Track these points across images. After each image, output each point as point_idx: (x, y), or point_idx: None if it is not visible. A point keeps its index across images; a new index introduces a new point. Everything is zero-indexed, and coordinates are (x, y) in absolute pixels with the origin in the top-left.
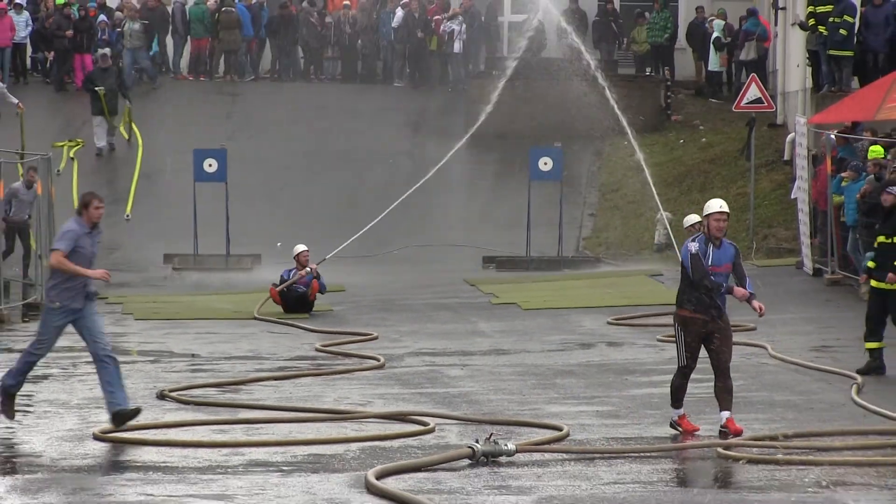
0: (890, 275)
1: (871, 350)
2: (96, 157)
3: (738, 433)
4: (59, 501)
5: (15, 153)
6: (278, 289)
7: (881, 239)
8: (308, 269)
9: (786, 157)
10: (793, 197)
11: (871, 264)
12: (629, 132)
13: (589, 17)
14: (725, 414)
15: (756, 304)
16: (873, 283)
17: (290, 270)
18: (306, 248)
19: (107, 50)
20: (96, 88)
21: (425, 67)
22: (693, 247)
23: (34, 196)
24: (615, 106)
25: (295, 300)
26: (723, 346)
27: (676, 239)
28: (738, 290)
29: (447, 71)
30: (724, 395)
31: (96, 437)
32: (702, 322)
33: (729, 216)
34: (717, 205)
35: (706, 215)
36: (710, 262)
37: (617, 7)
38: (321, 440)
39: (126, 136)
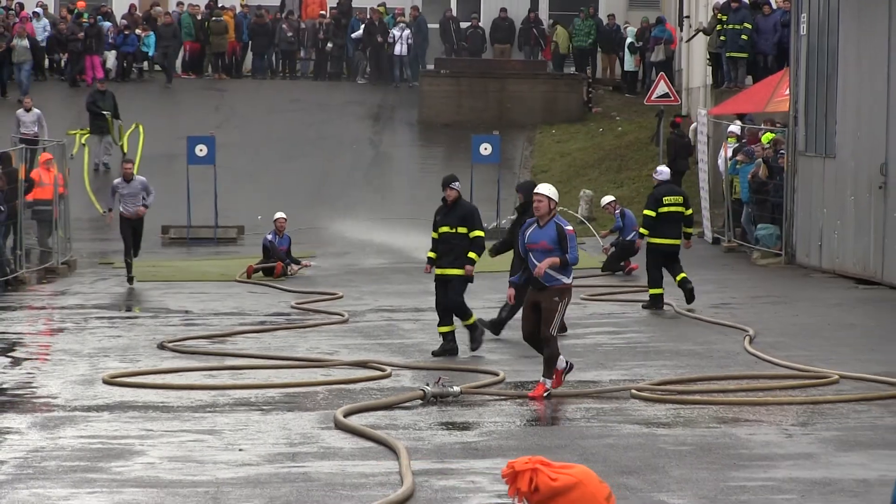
0: (468, 268)
1: (443, 334)
2: (94, 171)
3: (534, 396)
4: (73, 436)
5: (37, 139)
6: (256, 266)
7: (445, 229)
8: (303, 265)
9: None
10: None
11: (431, 255)
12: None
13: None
14: (540, 379)
15: (542, 265)
16: (437, 270)
17: (271, 234)
18: (284, 216)
19: (112, 53)
20: (103, 112)
21: (383, 67)
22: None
23: (139, 189)
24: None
25: (266, 270)
26: (542, 317)
27: (594, 213)
28: (539, 267)
29: (400, 70)
30: (544, 361)
31: (105, 382)
32: (530, 292)
33: (550, 199)
34: (536, 188)
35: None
36: (526, 240)
37: (543, 16)
38: (295, 384)
39: (125, 150)
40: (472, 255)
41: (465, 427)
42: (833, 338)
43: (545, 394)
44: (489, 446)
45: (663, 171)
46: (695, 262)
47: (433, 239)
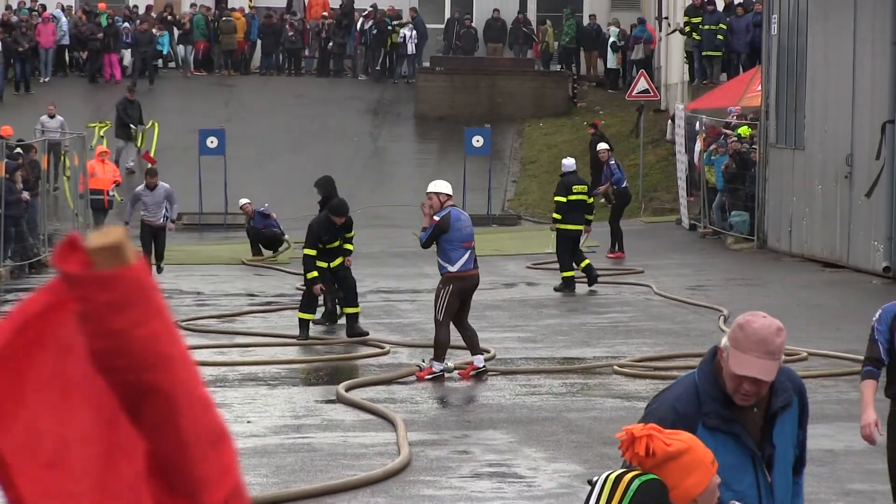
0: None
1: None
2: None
3: (464, 375)
4: None
5: (60, 142)
6: (254, 261)
7: (337, 244)
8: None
9: (668, 136)
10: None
11: (315, 274)
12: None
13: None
14: (473, 359)
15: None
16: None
17: (252, 219)
18: (248, 201)
19: (129, 51)
20: (132, 126)
21: (383, 65)
22: None
23: (162, 197)
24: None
25: (267, 239)
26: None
27: None
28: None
29: (399, 67)
30: (434, 344)
31: None
32: None
33: (438, 194)
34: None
35: None
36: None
37: (531, 16)
38: (300, 360)
39: (139, 146)
40: (348, 246)
41: (458, 400)
42: (802, 317)
43: (472, 372)
44: (481, 419)
45: (569, 164)
46: (672, 247)
47: (314, 258)
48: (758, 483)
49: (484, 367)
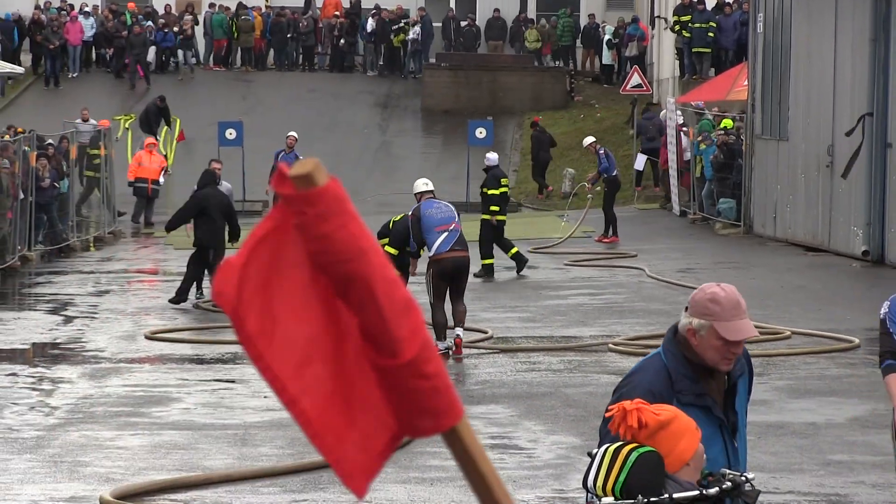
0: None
1: None
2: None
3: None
4: (118, 385)
5: (94, 126)
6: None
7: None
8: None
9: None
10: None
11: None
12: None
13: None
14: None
15: None
16: None
17: (280, 151)
18: (295, 135)
19: (152, 49)
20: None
21: (391, 61)
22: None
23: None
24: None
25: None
26: None
27: (578, 190)
28: None
29: (406, 63)
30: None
31: (146, 337)
32: None
33: (417, 194)
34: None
35: None
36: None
37: (530, 15)
38: None
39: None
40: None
41: (462, 378)
42: (785, 298)
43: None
44: (483, 394)
45: (493, 158)
46: (663, 233)
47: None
48: (725, 449)
49: (446, 350)
